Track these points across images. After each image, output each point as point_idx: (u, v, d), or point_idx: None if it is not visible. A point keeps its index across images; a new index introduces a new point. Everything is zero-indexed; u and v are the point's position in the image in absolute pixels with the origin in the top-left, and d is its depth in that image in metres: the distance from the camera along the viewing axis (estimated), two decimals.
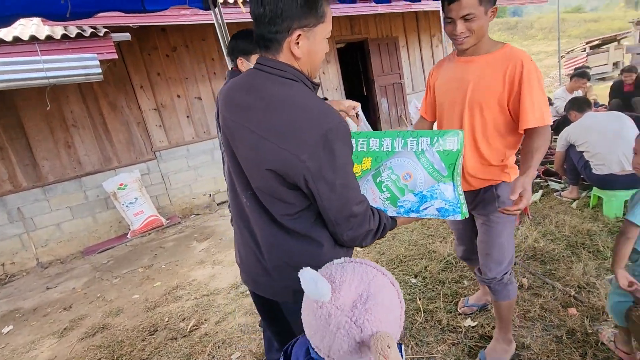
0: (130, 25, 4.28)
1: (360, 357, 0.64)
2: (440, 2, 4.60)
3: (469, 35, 1.30)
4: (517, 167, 1.50)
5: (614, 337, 1.65)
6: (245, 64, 1.76)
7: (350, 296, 0.63)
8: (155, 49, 5.16)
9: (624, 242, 1.36)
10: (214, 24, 2.90)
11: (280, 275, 1.02)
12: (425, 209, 1.07)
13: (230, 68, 1.89)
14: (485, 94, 1.35)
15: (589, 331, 1.76)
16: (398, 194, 1.08)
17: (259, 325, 2.23)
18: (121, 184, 4.67)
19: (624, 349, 1.57)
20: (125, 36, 4.10)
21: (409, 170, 1.08)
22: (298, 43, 0.89)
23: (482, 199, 1.51)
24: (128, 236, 4.73)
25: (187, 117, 5.52)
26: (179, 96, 5.42)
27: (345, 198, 0.91)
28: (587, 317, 1.85)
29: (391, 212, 1.10)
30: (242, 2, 4.50)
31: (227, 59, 2.77)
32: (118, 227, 4.97)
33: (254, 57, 1.73)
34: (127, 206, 4.69)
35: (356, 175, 1.05)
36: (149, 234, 4.76)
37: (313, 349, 0.69)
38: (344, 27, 7.02)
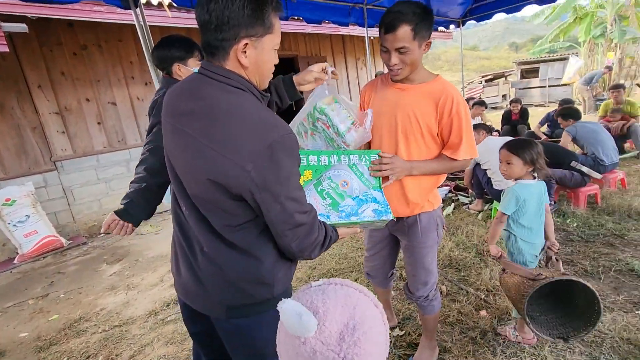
0: (28, 15, 3.71)
1: None
2: (365, 29, 4.88)
3: (402, 67, 1.33)
4: (437, 194, 1.59)
5: (515, 327, 1.92)
6: (184, 70, 1.68)
7: (336, 327, 0.57)
8: (59, 45, 4.53)
9: (497, 225, 1.86)
10: (133, 24, 2.67)
11: (213, 288, 0.99)
12: (363, 211, 1.17)
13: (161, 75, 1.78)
14: (417, 122, 1.40)
15: (498, 331, 1.98)
16: (338, 200, 1.19)
17: None
18: (7, 199, 3.91)
19: (524, 335, 1.87)
20: (21, 27, 3.52)
21: (346, 179, 1.24)
22: (245, 52, 0.89)
23: (406, 224, 1.56)
24: (15, 261, 3.96)
25: (99, 123, 4.92)
26: (88, 100, 4.82)
27: (290, 209, 0.90)
28: (495, 318, 2.09)
29: (334, 217, 1.15)
30: (167, 5, 4.24)
31: (150, 65, 2.57)
32: (1, 250, 4.13)
33: (191, 61, 1.69)
34: (14, 225, 3.93)
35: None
36: (44, 257, 4.05)
37: None
38: None
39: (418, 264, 1.60)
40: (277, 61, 0.98)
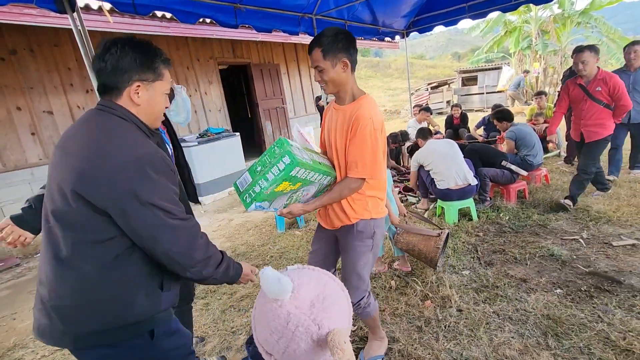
0: None
1: (314, 355, 0.66)
2: None
3: (324, 84, 1.49)
4: (378, 205, 1.66)
5: (398, 264, 2.78)
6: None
7: (308, 296, 0.66)
8: None
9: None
10: (69, 29, 2.55)
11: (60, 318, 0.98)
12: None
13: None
14: (342, 140, 1.51)
15: (440, 317, 2.16)
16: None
17: None
18: None
19: (404, 267, 2.74)
20: None
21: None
22: (138, 92, 1.06)
23: (343, 228, 1.65)
24: None
25: (32, 134, 4.56)
26: (19, 109, 4.46)
27: (161, 214, 0.98)
28: (438, 307, 2.27)
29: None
30: (108, 11, 4.07)
31: (90, 72, 2.46)
32: None
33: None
34: None
35: (283, 191, 1.36)
36: None
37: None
38: (225, 50, 7.01)
39: (349, 266, 1.64)
40: (168, 104, 1.16)
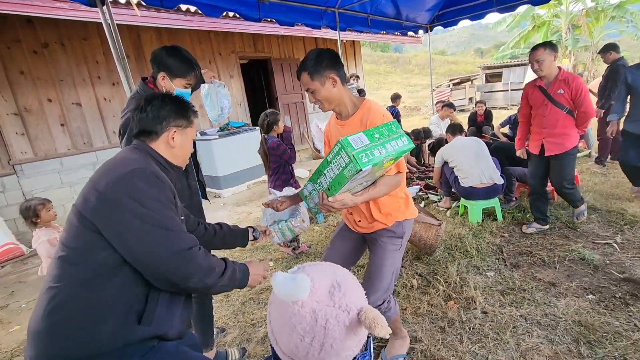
0: None
1: (352, 342, 0.65)
2: (337, 32, 4.97)
3: (320, 104, 1.51)
4: (410, 205, 1.65)
5: None
6: (167, 83, 1.61)
7: (324, 287, 0.65)
8: (17, 42, 4.32)
9: None
10: (99, 22, 2.60)
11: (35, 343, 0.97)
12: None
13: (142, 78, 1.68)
14: None
15: (464, 319, 2.10)
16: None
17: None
18: None
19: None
20: None
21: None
22: (174, 137, 1.23)
23: (372, 234, 1.63)
24: None
25: (62, 125, 4.72)
26: (50, 100, 4.61)
27: (152, 223, 1.01)
28: (461, 307, 2.21)
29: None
30: (136, 4, 4.14)
31: (118, 65, 2.51)
32: None
33: (178, 82, 1.62)
34: None
35: (374, 172, 1.26)
36: (3, 266, 3.82)
37: None
38: (247, 44, 7.04)
39: (375, 266, 1.62)
40: (192, 150, 1.34)
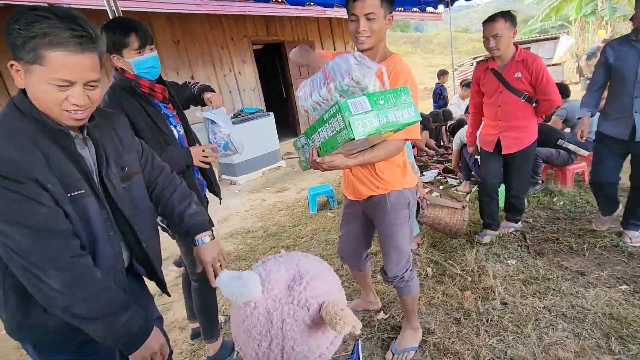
0: None
1: (321, 341, 0.57)
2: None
3: (369, 35, 1.36)
4: (407, 173, 1.56)
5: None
6: (122, 61, 1.44)
7: (283, 281, 0.57)
8: None
9: None
10: (102, 10, 2.54)
11: None
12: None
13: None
14: None
15: (481, 310, 1.98)
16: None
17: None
18: None
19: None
20: None
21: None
22: (19, 71, 0.84)
23: (375, 200, 1.55)
24: None
25: None
26: None
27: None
28: (479, 298, 2.08)
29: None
30: None
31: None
32: None
33: (128, 54, 1.42)
34: None
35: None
36: None
37: None
38: (259, 28, 6.90)
39: (388, 241, 1.59)
40: (59, 100, 0.84)
